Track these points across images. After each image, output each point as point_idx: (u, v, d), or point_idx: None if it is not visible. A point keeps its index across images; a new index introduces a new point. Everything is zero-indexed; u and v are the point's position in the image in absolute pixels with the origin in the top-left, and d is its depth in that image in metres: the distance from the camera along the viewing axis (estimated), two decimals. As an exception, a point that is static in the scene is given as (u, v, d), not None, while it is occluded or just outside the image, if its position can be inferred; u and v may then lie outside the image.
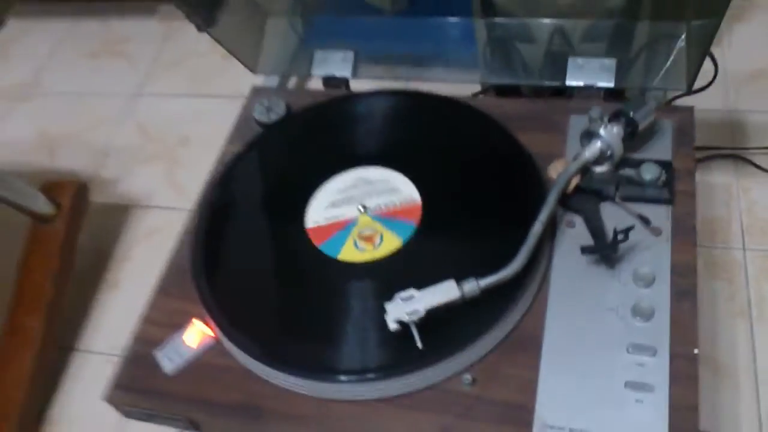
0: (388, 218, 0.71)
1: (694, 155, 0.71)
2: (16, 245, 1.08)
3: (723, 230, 0.99)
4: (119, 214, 1.24)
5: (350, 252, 0.69)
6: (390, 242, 0.68)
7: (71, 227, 1.03)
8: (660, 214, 0.66)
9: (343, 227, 0.71)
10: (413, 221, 0.69)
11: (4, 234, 1.19)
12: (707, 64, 0.76)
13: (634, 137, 0.68)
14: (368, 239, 0.70)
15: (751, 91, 1.17)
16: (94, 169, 1.33)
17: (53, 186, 1.06)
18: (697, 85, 0.77)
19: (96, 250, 1.18)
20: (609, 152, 0.66)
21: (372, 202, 0.72)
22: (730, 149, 1.07)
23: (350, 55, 0.87)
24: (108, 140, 1.39)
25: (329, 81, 0.88)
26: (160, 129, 1.39)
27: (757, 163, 1.06)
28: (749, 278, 0.93)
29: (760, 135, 1.09)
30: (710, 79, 0.85)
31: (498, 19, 0.86)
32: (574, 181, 0.66)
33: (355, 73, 0.87)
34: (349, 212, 0.72)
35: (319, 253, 0.69)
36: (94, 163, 1.34)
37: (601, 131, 0.66)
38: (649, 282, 0.61)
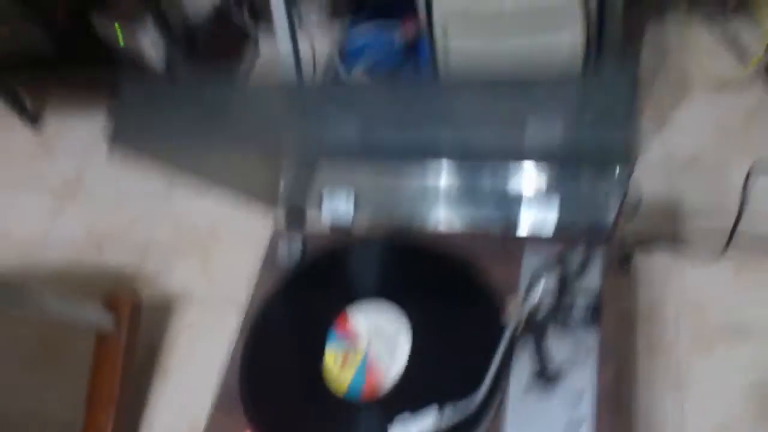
0: (364, 368, 0.86)
1: (622, 280, 0.93)
2: (85, 350, 1.31)
3: (660, 312, 1.17)
4: (163, 307, 1.45)
5: (330, 355, 0.89)
6: (342, 381, 0.86)
7: (131, 337, 1.26)
8: (590, 337, 0.88)
9: (351, 337, 0.90)
10: (367, 395, 0.85)
11: (73, 343, 1.41)
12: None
13: (568, 282, 0.90)
14: (344, 361, 0.87)
15: (689, 176, 1.33)
16: (137, 265, 1.55)
17: (112, 301, 1.28)
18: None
19: (146, 344, 1.39)
20: (547, 298, 0.88)
21: (377, 346, 0.89)
22: (667, 233, 1.25)
23: (351, 196, 1.06)
24: (147, 235, 1.60)
25: (334, 228, 1.07)
26: (191, 222, 1.59)
27: (692, 244, 1.23)
28: (680, 355, 1.13)
29: (695, 217, 1.27)
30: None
31: (467, 163, 1.06)
32: (524, 318, 0.89)
33: (356, 216, 1.06)
34: (365, 334, 0.90)
35: (325, 333, 0.90)
36: (137, 258, 1.56)
37: (541, 283, 0.88)
38: (580, 396, 0.84)
